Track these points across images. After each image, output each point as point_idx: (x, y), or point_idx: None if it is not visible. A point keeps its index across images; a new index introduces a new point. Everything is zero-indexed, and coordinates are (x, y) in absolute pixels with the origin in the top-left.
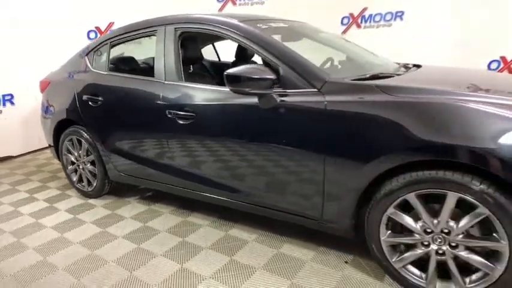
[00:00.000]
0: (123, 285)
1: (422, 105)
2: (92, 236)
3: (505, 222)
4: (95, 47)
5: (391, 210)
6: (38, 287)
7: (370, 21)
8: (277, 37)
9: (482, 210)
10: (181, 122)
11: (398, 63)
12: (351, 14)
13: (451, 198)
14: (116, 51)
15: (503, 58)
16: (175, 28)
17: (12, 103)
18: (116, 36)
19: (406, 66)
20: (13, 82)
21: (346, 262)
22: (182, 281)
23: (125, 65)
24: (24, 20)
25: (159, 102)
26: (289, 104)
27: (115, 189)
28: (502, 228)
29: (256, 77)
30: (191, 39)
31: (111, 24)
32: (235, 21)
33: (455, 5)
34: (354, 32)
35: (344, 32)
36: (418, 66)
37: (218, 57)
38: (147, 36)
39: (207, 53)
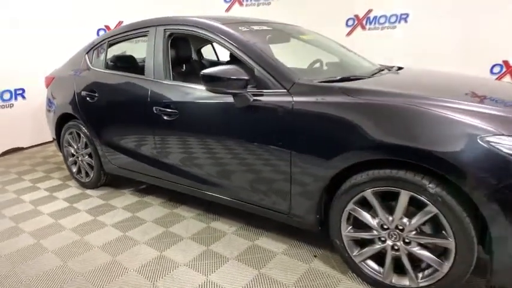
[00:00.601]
0: (104, 268)
1: (377, 107)
2: (84, 223)
3: (451, 220)
4: (95, 46)
5: (350, 206)
6: (27, 266)
7: (375, 23)
8: (262, 39)
9: (431, 209)
10: (166, 118)
11: (382, 65)
12: (356, 16)
13: (404, 196)
14: (116, 50)
15: (505, 62)
16: (165, 29)
17: (23, 97)
18: (113, 36)
19: (389, 68)
20: (25, 77)
21: (315, 256)
22: (158, 267)
23: (122, 63)
24: (37, 20)
25: (147, 99)
26: (261, 103)
27: (113, 181)
28: (448, 226)
29: (230, 77)
30: (182, 40)
31: (120, 23)
32: (216, 24)
33: (459, 8)
34: (358, 34)
35: (349, 33)
36: (400, 68)
37: (217, 56)
38: (140, 36)
39: (206, 52)
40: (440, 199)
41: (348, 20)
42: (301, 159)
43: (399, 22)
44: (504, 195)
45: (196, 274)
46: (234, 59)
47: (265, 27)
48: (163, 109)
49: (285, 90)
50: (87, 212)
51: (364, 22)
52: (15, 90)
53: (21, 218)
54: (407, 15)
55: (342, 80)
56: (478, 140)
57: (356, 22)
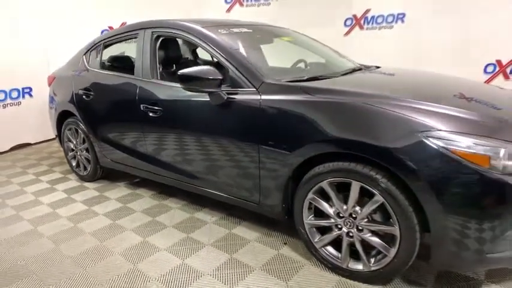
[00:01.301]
0: (92, 252)
1: (330, 104)
2: (78, 213)
3: (395, 209)
4: (91, 47)
5: (310, 195)
6: (23, 250)
7: (372, 23)
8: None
9: (378, 198)
10: (151, 115)
11: (362, 65)
12: (354, 16)
13: (355, 187)
14: (115, 51)
15: (498, 62)
16: (152, 32)
17: (30, 95)
18: (108, 38)
19: (367, 67)
20: (33, 77)
21: (285, 243)
22: (141, 251)
23: (117, 63)
24: (43, 21)
25: (135, 97)
26: (233, 101)
27: (109, 174)
28: (393, 214)
29: (204, 77)
30: (171, 41)
31: (123, 24)
32: (195, 26)
33: (454, 9)
34: (356, 33)
35: (347, 33)
36: (378, 67)
37: (212, 57)
38: (132, 38)
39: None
40: (386, 189)
41: (346, 20)
42: (267, 152)
43: (396, 22)
44: (440, 187)
45: (173, 258)
46: None
47: (245, 30)
48: (149, 107)
49: (255, 89)
50: (83, 203)
51: (362, 22)
52: (23, 88)
53: (22, 207)
54: (403, 15)
55: (310, 79)
56: (419, 135)
57: (354, 22)
